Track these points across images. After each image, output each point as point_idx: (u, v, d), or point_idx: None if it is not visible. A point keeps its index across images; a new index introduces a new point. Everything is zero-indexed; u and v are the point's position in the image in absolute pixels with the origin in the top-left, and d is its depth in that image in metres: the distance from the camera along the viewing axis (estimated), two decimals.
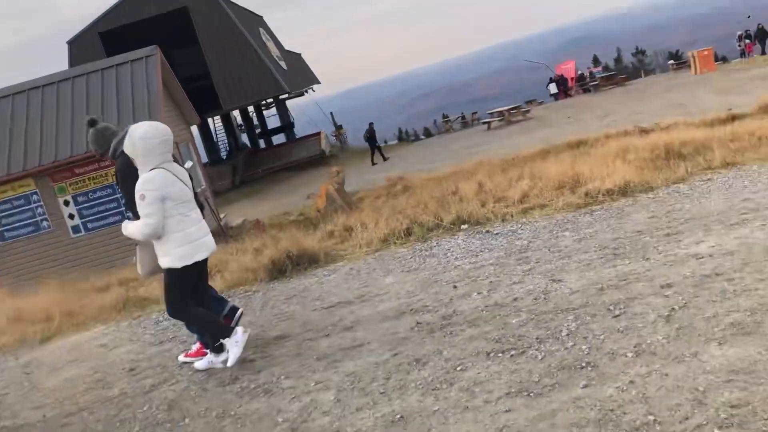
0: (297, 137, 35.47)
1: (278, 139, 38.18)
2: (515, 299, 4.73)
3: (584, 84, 38.71)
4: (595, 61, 68.04)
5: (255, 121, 38.83)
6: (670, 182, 7.37)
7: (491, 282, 5.29)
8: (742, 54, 31.95)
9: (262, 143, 39.12)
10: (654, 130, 13.45)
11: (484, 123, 30.08)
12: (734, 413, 2.71)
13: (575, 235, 6.14)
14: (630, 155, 9.28)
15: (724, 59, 38.73)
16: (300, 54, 41.38)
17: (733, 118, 12.32)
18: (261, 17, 36.20)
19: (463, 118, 38.11)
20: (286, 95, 33.33)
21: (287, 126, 36.16)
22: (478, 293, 5.07)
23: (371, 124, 27.60)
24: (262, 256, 8.28)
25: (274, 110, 37.02)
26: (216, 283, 7.42)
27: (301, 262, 7.88)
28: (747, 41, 31.69)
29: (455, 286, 5.42)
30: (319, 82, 41.11)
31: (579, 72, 40.13)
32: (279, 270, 7.75)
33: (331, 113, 39.38)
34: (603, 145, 11.89)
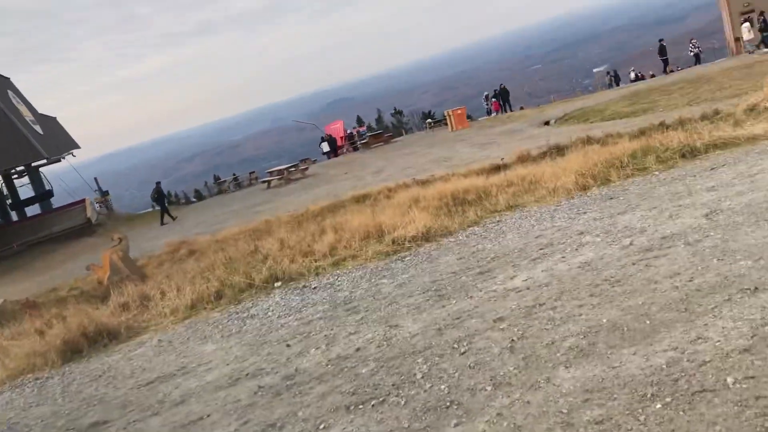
0: (57, 207, 32.42)
1: (34, 210, 34.56)
2: (358, 349, 4.69)
3: (353, 142, 40.69)
4: (359, 121, 71.69)
5: (4, 191, 34.85)
6: (465, 226, 7.91)
7: (326, 336, 5.20)
8: (489, 112, 35.76)
9: (14, 215, 35.10)
10: (431, 181, 14.47)
11: (263, 182, 30.01)
12: (601, 429, 2.90)
13: (394, 281, 6.30)
14: (421, 203, 9.83)
15: (470, 117, 42.96)
16: (55, 117, 38.33)
17: (500, 167, 13.63)
18: (8, 79, 32.99)
19: (236, 178, 37.73)
20: (44, 161, 30.49)
21: (44, 195, 32.94)
22: (317, 348, 4.96)
23: (158, 183, 26.41)
24: (49, 336, 7.34)
25: (26, 179, 33.58)
26: None
27: (99, 339, 7.15)
28: (494, 100, 35.56)
29: (288, 345, 5.25)
30: (78, 147, 38.28)
31: (348, 131, 42.03)
32: (74, 350, 6.94)
33: (95, 179, 36.71)
34: (387, 197, 12.45)
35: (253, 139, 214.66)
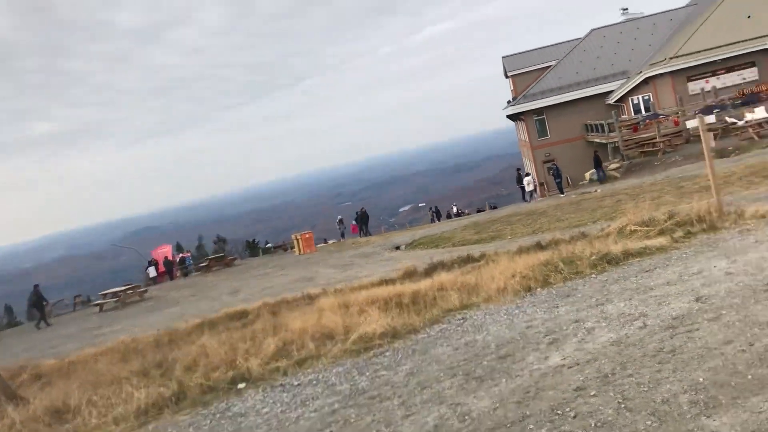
0: None
1: None
2: (436, 426, 4.44)
3: (184, 267, 39.14)
4: (179, 247, 69.27)
5: None
6: (429, 323, 7.93)
7: (376, 419, 4.87)
8: (343, 235, 36.38)
9: None
10: (321, 295, 14.29)
11: (95, 305, 27.58)
12: None
13: (396, 372, 6.14)
14: (355, 307, 9.69)
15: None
16: None
17: (405, 276, 13.89)
18: None
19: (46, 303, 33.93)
20: None
21: None
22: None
23: (36, 286, 24.22)
24: None
25: None
26: None
27: None
28: (353, 223, 36.47)
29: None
30: None
31: (185, 254, 40.68)
32: None
33: None
34: (309, 304, 12.11)
35: (47, 268, 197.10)
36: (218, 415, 6.10)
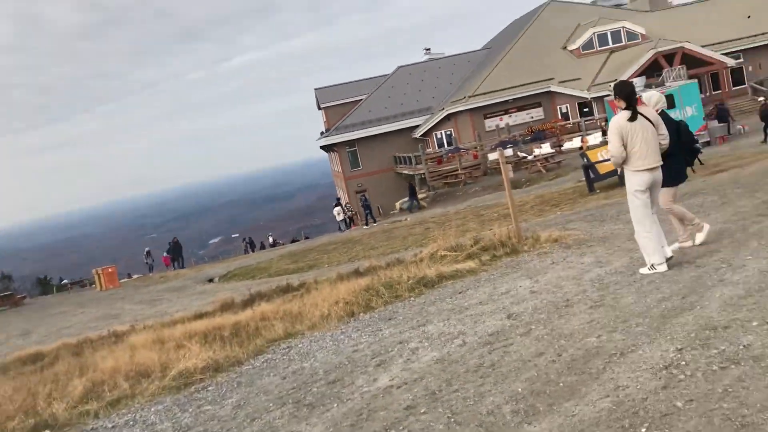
0: None
1: None
2: None
3: None
4: None
5: None
6: (253, 354, 7.74)
7: None
8: (151, 269, 34.30)
9: None
10: (130, 332, 13.42)
11: None
12: None
13: (223, 406, 5.90)
14: (171, 343, 9.20)
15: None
16: None
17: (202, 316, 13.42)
18: None
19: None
20: None
21: None
22: None
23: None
24: None
25: None
26: None
27: None
28: (164, 255, 34.44)
29: None
30: None
31: None
32: None
33: None
34: (115, 342, 11.24)
35: None
36: None
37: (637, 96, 6.91)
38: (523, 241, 10.96)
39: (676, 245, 7.60)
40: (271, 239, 46.00)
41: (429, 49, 56.57)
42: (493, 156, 35.62)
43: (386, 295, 9.20)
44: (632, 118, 6.75)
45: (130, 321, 17.11)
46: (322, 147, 50.43)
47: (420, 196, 36.56)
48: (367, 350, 6.63)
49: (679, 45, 42.99)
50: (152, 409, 6.36)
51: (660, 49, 42.72)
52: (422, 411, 4.57)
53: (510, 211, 11.92)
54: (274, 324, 9.06)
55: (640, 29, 48.47)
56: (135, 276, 34.45)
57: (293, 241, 41.43)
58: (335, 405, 5.17)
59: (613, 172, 17.85)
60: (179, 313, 14.99)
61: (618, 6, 59.27)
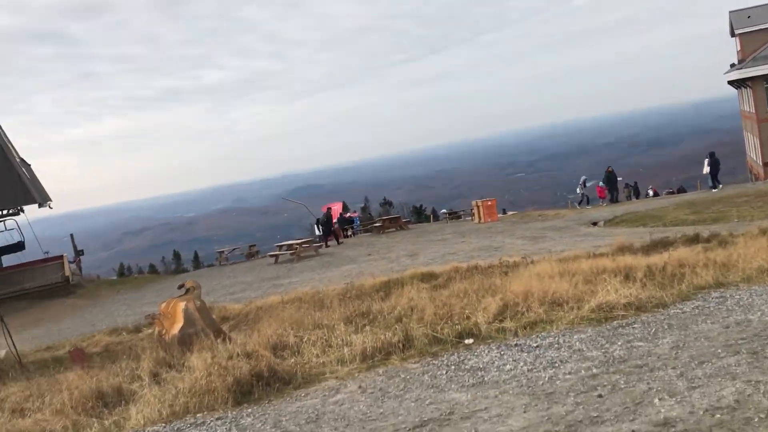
0: (29, 261, 31.09)
1: (7, 260, 32.93)
2: None
3: (351, 228, 40.49)
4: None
5: None
6: (679, 299, 7.54)
7: None
8: (588, 200, 34.58)
9: None
10: (520, 264, 14.12)
11: (270, 256, 29.41)
12: None
13: (654, 345, 5.84)
14: (578, 276, 9.45)
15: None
16: (30, 165, 37.41)
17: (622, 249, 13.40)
18: None
19: (221, 253, 36.41)
20: (36, 205, 29.24)
21: (17, 246, 31.54)
22: None
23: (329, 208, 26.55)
24: (207, 375, 6.61)
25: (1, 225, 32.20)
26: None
27: (272, 382, 6.47)
28: (599, 185, 34.84)
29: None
30: (51, 200, 37.11)
31: (353, 214, 42.03)
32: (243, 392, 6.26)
33: (71, 236, 35.51)
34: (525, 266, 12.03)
35: (209, 218, 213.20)
36: (453, 367, 6.20)
37: None
38: None
39: None
40: (650, 191, 43.87)
41: None
42: None
43: None
44: None
45: (514, 254, 18.04)
46: (730, 82, 45.89)
47: None
48: None
49: None
50: (575, 337, 6.62)
51: None
52: None
53: None
54: (697, 271, 8.67)
55: None
56: (510, 213, 36.13)
57: (673, 192, 38.83)
58: None
59: None
60: (567, 252, 15.28)
61: None
